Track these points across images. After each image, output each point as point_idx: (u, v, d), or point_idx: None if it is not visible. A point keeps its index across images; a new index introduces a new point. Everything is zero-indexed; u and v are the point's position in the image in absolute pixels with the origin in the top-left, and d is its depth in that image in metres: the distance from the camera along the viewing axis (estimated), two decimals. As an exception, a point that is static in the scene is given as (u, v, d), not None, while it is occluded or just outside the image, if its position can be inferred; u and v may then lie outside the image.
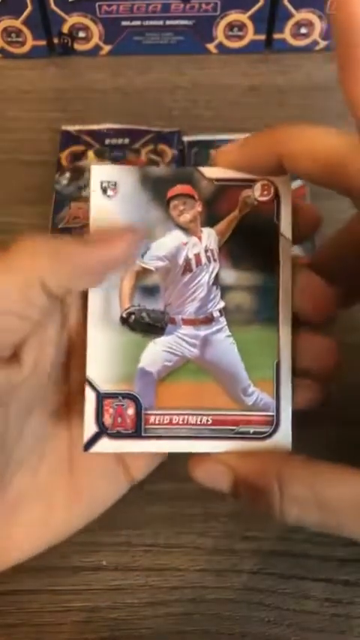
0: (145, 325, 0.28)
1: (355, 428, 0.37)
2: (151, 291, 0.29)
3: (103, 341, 0.28)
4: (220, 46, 0.50)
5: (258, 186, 0.28)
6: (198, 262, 0.29)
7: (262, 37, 0.50)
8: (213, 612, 0.33)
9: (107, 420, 0.28)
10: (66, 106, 0.49)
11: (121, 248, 0.27)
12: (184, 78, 0.50)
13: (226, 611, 0.33)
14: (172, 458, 0.36)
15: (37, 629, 0.33)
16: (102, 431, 0.28)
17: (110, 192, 0.28)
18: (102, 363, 0.28)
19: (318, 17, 0.48)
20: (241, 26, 0.49)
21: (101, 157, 0.45)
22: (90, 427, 0.28)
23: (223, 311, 0.29)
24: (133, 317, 0.28)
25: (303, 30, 0.49)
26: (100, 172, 0.29)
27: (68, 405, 0.30)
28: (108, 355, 0.28)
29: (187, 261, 0.29)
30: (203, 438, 0.28)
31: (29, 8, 0.48)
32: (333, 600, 0.33)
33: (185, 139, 0.46)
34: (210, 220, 0.28)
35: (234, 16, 0.48)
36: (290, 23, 0.49)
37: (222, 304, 0.29)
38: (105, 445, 0.28)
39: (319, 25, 0.49)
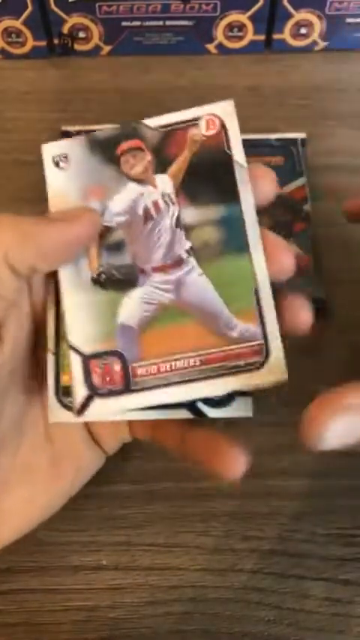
0: (116, 282, 0.29)
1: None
2: (117, 247, 0.29)
3: (79, 305, 0.28)
4: (220, 46, 0.50)
5: (203, 122, 0.29)
6: (157, 209, 0.29)
7: (262, 37, 0.50)
8: (213, 611, 0.33)
9: (96, 380, 0.28)
10: (66, 106, 0.49)
11: (84, 227, 0.28)
12: (184, 78, 0.50)
13: (226, 611, 0.33)
14: (172, 457, 0.36)
15: (37, 629, 0.33)
16: (93, 392, 0.28)
17: (63, 165, 0.29)
18: (82, 327, 0.28)
19: (318, 17, 0.48)
20: (241, 26, 0.49)
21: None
22: (80, 391, 0.28)
23: (191, 250, 0.29)
24: (103, 276, 0.29)
25: (303, 30, 0.49)
26: (49, 149, 0.30)
27: (38, 379, 0.30)
28: (86, 317, 0.28)
29: (146, 210, 0.29)
30: (195, 381, 0.28)
31: (29, 9, 0.48)
32: (332, 600, 0.33)
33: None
34: (163, 167, 0.29)
35: (234, 16, 0.48)
36: (290, 23, 0.49)
37: (188, 244, 0.29)
38: (98, 407, 0.28)
39: (318, 26, 0.49)
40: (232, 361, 0.28)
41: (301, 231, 0.41)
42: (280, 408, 0.38)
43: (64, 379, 0.29)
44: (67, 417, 0.28)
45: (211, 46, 0.50)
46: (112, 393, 0.28)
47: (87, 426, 0.32)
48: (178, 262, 0.29)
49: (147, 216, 0.29)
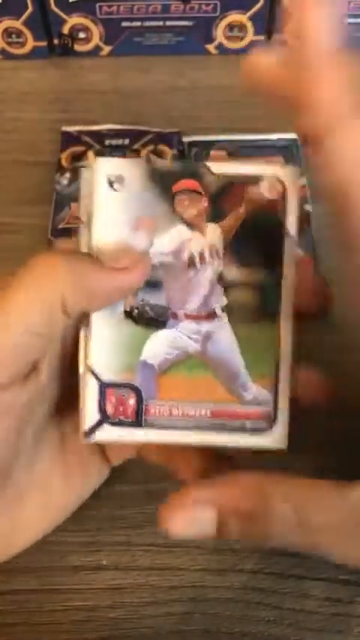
0: (147, 319, 0.29)
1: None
2: (154, 286, 0.29)
3: (106, 333, 0.29)
4: (219, 46, 0.50)
5: (265, 183, 0.28)
6: (202, 259, 0.29)
7: (262, 37, 0.50)
8: (213, 611, 0.33)
9: (109, 408, 0.29)
10: (66, 106, 0.49)
11: (137, 276, 0.28)
12: (184, 79, 0.50)
13: (226, 611, 0.33)
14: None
15: (36, 629, 0.33)
16: (104, 419, 0.29)
17: (117, 186, 0.28)
18: (105, 354, 0.29)
19: (318, 18, 0.48)
20: (241, 27, 0.49)
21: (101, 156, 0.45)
22: (92, 415, 0.29)
23: (225, 308, 0.29)
24: (136, 311, 0.29)
25: (303, 30, 0.49)
26: (105, 165, 0.28)
27: (62, 398, 0.31)
28: (111, 346, 0.29)
29: (191, 257, 0.29)
30: (202, 429, 0.29)
31: (30, 9, 0.48)
32: (333, 600, 0.33)
33: (185, 139, 0.46)
34: (215, 216, 0.28)
35: (234, 16, 0.48)
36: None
37: (224, 301, 0.29)
38: (106, 433, 0.29)
39: (318, 26, 0.49)
40: (239, 420, 0.29)
41: (301, 232, 0.41)
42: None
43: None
44: (102, 434, 0.29)
45: (211, 47, 0.50)
46: (122, 424, 0.29)
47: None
48: (211, 316, 0.29)
49: (191, 263, 0.29)
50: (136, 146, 0.46)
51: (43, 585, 0.33)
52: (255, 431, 0.29)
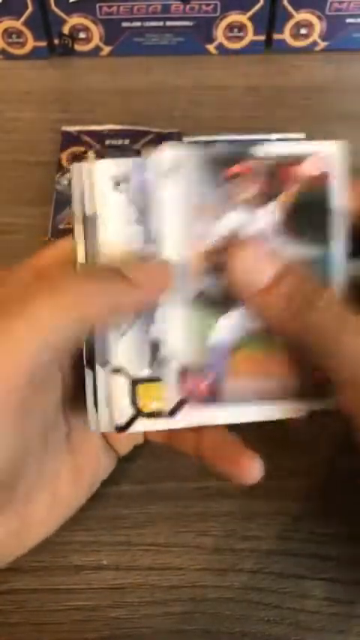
0: (213, 302, 0.29)
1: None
2: (219, 269, 0.29)
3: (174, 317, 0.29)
4: (220, 46, 0.50)
5: (310, 161, 0.28)
6: (259, 238, 0.29)
7: (262, 37, 0.50)
8: (213, 611, 0.33)
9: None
10: (66, 106, 0.49)
11: (164, 290, 0.28)
12: (184, 79, 0.50)
13: (226, 610, 0.33)
14: (173, 457, 0.36)
15: (37, 628, 0.33)
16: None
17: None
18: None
19: (317, 18, 0.48)
20: (241, 27, 0.49)
21: (101, 158, 0.45)
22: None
23: None
24: (203, 295, 0.29)
25: (303, 31, 0.49)
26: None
27: (62, 396, 0.31)
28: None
29: (249, 238, 0.29)
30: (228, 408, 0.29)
31: (30, 9, 0.48)
32: (333, 599, 0.33)
33: (186, 139, 0.46)
34: (268, 197, 0.29)
35: (234, 17, 0.48)
36: (290, 24, 0.49)
37: None
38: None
39: (318, 26, 0.49)
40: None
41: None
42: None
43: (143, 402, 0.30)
44: (106, 428, 0.30)
45: (211, 47, 0.51)
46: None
47: (104, 434, 0.33)
48: None
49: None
50: (136, 146, 0.46)
51: (43, 585, 0.34)
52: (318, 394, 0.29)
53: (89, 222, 0.29)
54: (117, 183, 0.28)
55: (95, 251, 0.29)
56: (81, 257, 0.29)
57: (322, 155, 0.28)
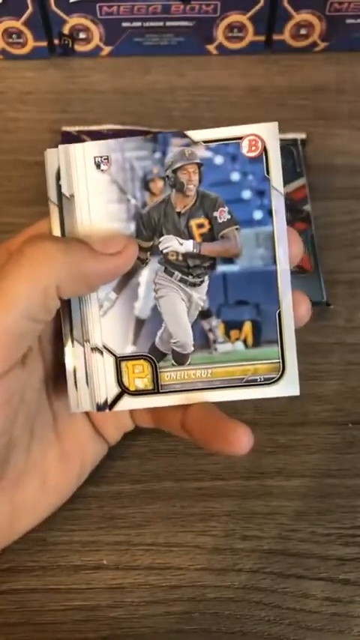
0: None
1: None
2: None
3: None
4: (220, 47, 0.50)
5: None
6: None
7: (262, 38, 0.50)
8: (213, 611, 0.33)
9: (126, 380, 0.30)
10: (66, 107, 0.49)
11: (127, 260, 0.29)
12: (184, 79, 0.50)
13: (226, 610, 0.33)
14: (172, 457, 0.36)
15: (37, 628, 0.33)
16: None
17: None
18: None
19: (317, 18, 0.48)
20: (241, 27, 0.49)
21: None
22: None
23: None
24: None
25: (303, 31, 0.49)
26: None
27: (47, 382, 0.32)
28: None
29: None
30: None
31: (30, 9, 0.48)
32: (332, 599, 0.33)
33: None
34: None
35: (234, 17, 0.48)
36: (290, 24, 0.49)
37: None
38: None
39: (318, 26, 0.49)
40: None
41: (301, 232, 0.41)
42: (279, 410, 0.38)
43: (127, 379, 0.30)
44: (87, 407, 0.30)
45: (211, 47, 0.50)
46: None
47: (91, 420, 0.33)
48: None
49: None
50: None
51: (43, 585, 0.34)
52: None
53: (67, 203, 0.29)
54: (98, 164, 0.29)
55: (74, 231, 0.29)
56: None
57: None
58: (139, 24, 0.49)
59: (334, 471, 0.36)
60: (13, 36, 0.49)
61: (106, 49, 0.50)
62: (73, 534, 0.35)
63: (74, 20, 0.48)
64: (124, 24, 0.49)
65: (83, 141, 0.46)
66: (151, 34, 0.49)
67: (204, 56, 0.51)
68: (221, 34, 0.50)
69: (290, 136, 0.45)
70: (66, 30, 0.49)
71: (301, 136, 0.45)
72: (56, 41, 0.50)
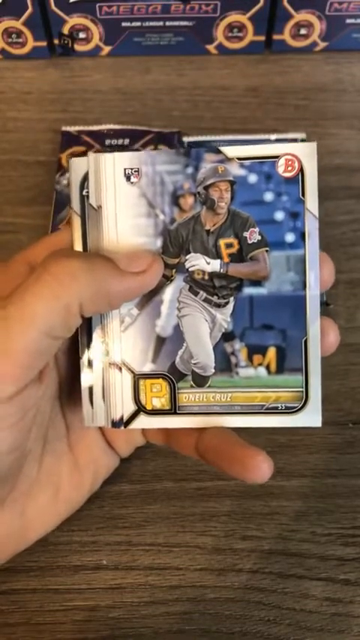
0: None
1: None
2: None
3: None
4: (220, 47, 0.50)
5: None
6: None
7: (262, 38, 0.50)
8: (213, 611, 0.33)
9: (143, 398, 0.30)
10: (66, 106, 0.49)
11: (152, 278, 0.28)
12: (184, 79, 0.50)
13: (226, 610, 0.33)
14: (172, 457, 0.36)
15: (37, 628, 0.33)
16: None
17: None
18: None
19: (317, 18, 0.48)
20: (241, 27, 0.49)
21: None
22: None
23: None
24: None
25: (302, 31, 0.49)
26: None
27: (60, 396, 0.31)
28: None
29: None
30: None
31: (30, 9, 0.48)
32: (332, 599, 0.33)
33: (185, 139, 0.46)
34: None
35: (234, 17, 0.48)
36: (290, 24, 0.49)
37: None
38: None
39: (318, 26, 0.49)
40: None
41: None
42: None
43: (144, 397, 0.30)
44: (102, 422, 0.30)
45: (211, 47, 0.50)
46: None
47: (103, 433, 0.33)
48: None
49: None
50: (136, 146, 0.46)
51: (43, 585, 0.34)
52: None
53: (93, 214, 0.29)
54: (128, 176, 0.29)
55: (98, 243, 0.29)
56: (78, 249, 0.29)
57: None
58: (138, 24, 0.49)
59: (334, 471, 0.36)
60: (13, 36, 0.49)
61: (106, 49, 0.50)
62: (72, 534, 0.34)
63: (74, 20, 0.48)
64: (124, 24, 0.49)
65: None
66: (151, 34, 0.49)
67: (204, 56, 0.51)
68: (221, 33, 0.49)
69: (290, 136, 0.45)
70: (66, 30, 0.49)
71: (301, 135, 0.45)
72: (56, 41, 0.50)
